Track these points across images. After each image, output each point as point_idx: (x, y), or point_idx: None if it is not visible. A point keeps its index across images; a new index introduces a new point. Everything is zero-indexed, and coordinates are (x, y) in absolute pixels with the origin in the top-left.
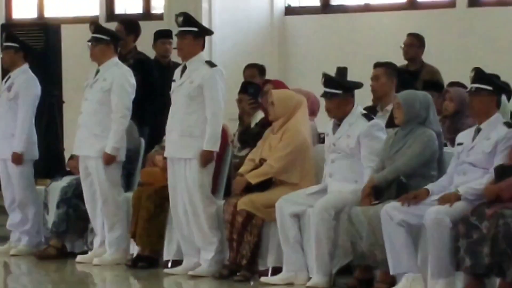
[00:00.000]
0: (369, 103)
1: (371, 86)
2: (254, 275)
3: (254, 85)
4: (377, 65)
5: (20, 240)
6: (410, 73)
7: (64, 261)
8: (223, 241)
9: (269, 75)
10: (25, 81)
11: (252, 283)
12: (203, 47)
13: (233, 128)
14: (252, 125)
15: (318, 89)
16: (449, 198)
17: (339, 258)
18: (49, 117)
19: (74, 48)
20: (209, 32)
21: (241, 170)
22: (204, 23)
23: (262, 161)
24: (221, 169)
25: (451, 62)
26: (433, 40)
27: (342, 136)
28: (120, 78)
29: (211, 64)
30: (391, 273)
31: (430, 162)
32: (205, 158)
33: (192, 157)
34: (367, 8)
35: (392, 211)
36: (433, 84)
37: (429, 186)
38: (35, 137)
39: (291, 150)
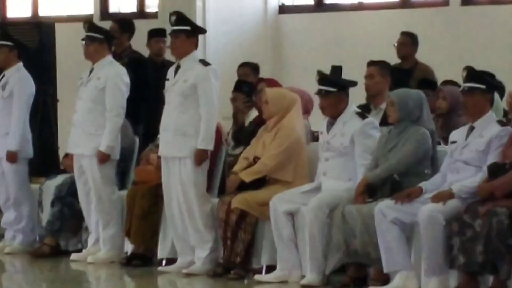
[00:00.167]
0: (363, 101)
1: (365, 84)
2: (248, 273)
3: (248, 83)
4: (370, 63)
5: (15, 238)
6: (403, 71)
7: (59, 259)
8: (217, 239)
9: (263, 74)
10: (19, 79)
11: (246, 281)
12: (196, 45)
13: (227, 126)
14: (246, 123)
15: (312, 87)
16: (443, 196)
17: (333, 257)
18: (43, 116)
19: (68, 47)
20: (202, 30)
21: (235, 168)
22: (198, 21)
23: (256, 159)
24: (215, 167)
25: (445, 61)
26: (427, 38)
27: (336, 134)
28: (114, 77)
29: (205, 62)
30: (385, 271)
31: (423, 160)
32: (200, 157)
33: (187, 155)
34: (360, 7)
35: (385, 209)
36: (428, 82)
37: (423, 184)
38: (29, 136)
39: (284, 148)
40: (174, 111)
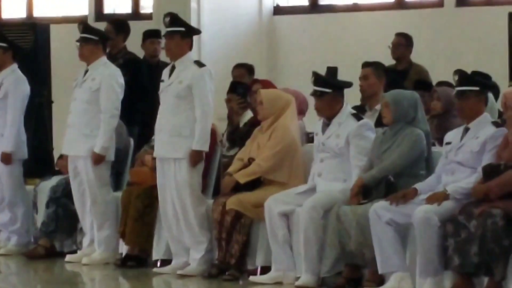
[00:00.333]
0: (358, 102)
1: (360, 85)
2: (243, 274)
3: (243, 84)
4: (365, 64)
5: (9, 240)
6: (398, 72)
7: (53, 260)
8: (212, 241)
9: (257, 75)
10: (14, 80)
11: (241, 282)
12: (191, 47)
13: (222, 127)
14: (241, 124)
15: (306, 88)
16: (437, 197)
17: (328, 258)
18: (38, 117)
19: (63, 48)
20: (196, 31)
21: (230, 169)
22: (193, 23)
23: (250, 161)
24: (210, 168)
25: (439, 62)
26: (421, 39)
27: (332, 135)
28: (109, 78)
29: (199, 64)
30: (380, 272)
31: (418, 162)
32: (195, 158)
33: (182, 157)
34: (355, 8)
35: (380, 210)
36: (422, 83)
37: (418, 185)
38: (24, 137)
39: (279, 149)
40: (169, 112)
